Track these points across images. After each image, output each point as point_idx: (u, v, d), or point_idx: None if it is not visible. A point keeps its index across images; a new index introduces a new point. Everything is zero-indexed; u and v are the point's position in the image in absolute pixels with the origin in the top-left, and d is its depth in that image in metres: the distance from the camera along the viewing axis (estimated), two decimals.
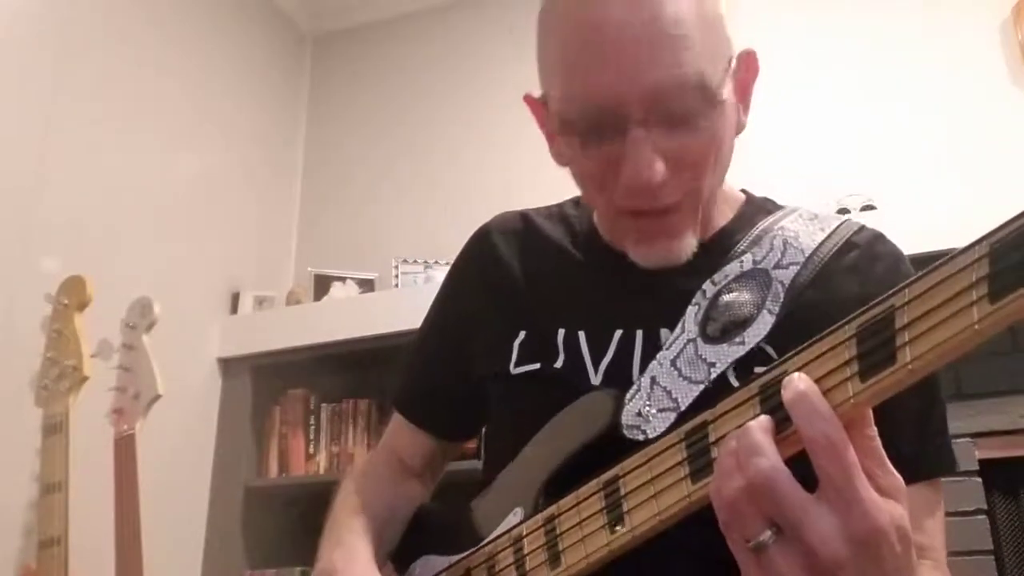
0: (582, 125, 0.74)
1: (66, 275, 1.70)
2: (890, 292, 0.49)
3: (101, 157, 2.34)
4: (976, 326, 0.44)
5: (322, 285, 2.76)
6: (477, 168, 2.89)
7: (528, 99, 0.85)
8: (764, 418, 0.51)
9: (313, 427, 2.61)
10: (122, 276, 2.04)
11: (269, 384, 2.66)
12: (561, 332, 0.82)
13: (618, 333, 0.80)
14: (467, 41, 3.08)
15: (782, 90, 2.58)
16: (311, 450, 2.59)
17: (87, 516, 1.54)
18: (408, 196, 2.99)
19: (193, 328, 2.56)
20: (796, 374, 0.51)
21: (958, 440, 1.91)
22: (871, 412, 0.51)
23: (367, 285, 2.77)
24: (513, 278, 0.91)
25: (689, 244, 0.78)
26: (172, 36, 2.68)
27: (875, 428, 0.51)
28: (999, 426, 1.95)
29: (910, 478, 0.73)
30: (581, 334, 0.81)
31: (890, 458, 0.74)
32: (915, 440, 0.77)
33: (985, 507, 1.90)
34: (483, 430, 0.97)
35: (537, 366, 0.82)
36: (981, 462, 1.92)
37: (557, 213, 0.96)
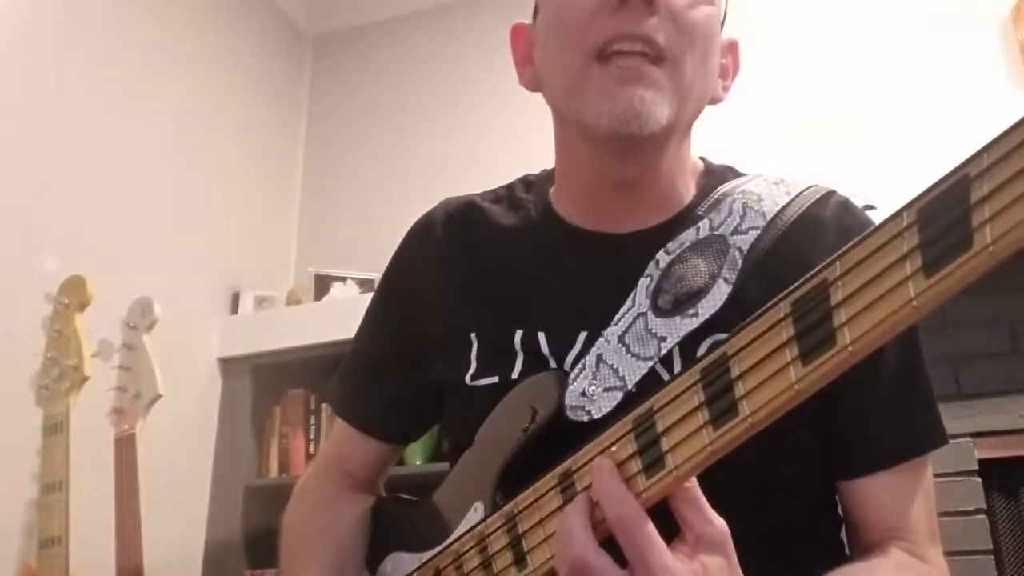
0: None
1: (66, 275, 1.70)
2: (821, 265, 0.47)
3: (102, 157, 2.34)
4: (914, 303, 0.43)
5: (322, 285, 2.76)
6: (477, 168, 2.88)
7: (515, 26, 0.85)
8: (581, 501, 0.57)
9: (313, 427, 2.61)
10: (122, 276, 2.04)
11: (269, 384, 2.66)
12: (518, 334, 0.77)
13: (583, 335, 0.74)
14: (467, 41, 3.08)
15: (782, 88, 2.59)
16: (311, 450, 2.59)
17: (87, 516, 1.54)
18: (408, 196, 2.98)
19: (193, 328, 2.56)
20: (599, 459, 0.56)
21: (958, 440, 1.92)
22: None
23: (367, 285, 2.77)
24: (461, 274, 0.85)
25: (659, 109, 0.71)
26: (172, 36, 2.69)
27: (694, 480, 0.55)
28: (999, 426, 1.96)
29: (883, 463, 0.73)
30: (541, 335, 0.76)
31: (862, 443, 0.74)
32: (891, 422, 0.74)
33: (984, 507, 1.90)
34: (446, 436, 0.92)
35: (495, 379, 0.77)
36: (981, 462, 1.93)
37: (507, 197, 0.90)
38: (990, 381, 1.99)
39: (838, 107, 2.49)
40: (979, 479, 1.91)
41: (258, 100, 3.08)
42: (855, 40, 2.56)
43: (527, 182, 0.91)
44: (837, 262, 0.46)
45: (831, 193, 0.81)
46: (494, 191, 0.92)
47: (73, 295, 1.66)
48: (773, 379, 0.49)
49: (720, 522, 0.55)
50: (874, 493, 0.74)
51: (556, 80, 0.78)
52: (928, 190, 0.43)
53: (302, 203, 3.19)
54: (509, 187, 0.92)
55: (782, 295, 0.49)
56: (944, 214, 0.41)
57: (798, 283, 0.48)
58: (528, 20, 0.86)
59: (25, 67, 2.18)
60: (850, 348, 0.46)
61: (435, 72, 3.12)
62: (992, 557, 1.87)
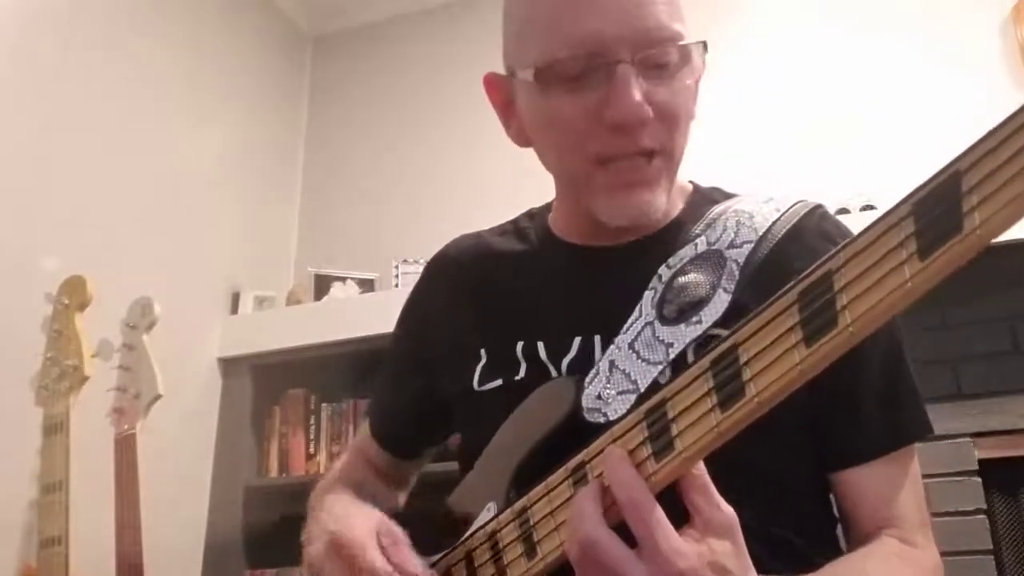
0: (568, 70, 0.75)
1: (66, 275, 1.70)
2: (825, 257, 0.51)
3: (101, 157, 2.34)
4: (908, 284, 0.46)
5: (322, 285, 2.76)
6: (477, 167, 2.89)
7: (489, 78, 0.87)
8: (593, 485, 0.60)
9: (313, 427, 2.61)
10: (122, 276, 2.04)
11: (269, 384, 2.66)
12: (520, 344, 0.84)
13: (577, 340, 0.81)
14: (467, 41, 3.08)
15: (786, 88, 2.59)
16: (311, 450, 2.59)
17: (87, 516, 1.54)
18: (408, 196, 2.99)
19: (193, 328, 2.56)
20: (611, 447, 0.60)
21: (958, 440, 1.92)
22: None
23: (367, 285, 2.77)
24: (470, 299, 0.92)
25: (661, 202, 0.79)
26: (173, 37, 2.69)
27: (702, 465, 0.57)
28: (999, 426, 1.96)
29: (871, 454, 0.77)
30: (540, 344, 0.83)
31: (850, 436, 0.78)
32: (878, 415, 0.79)
33: (984, 507, 1.90)
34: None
35: (500, 382, 0.84)
36: (981, 462, 1.93)
37: (512, 229, 0.98)
38: (990, 381, 1.99)
39: (842, 107, 2.50)
40: (979, 479, 1.91)
41: (258, 100, 3.08)
42: (857, 41, 2.56)
43: (531, 214, 0.99)
44: (840, 253, 0.50)
45: (817, 206, 0.85)
46: (501, 226, 1.00)
47: (73, 295, 1.66)
48: (778, 361, 0.52)
49: (728, 509, 0.57)
50: (865, 484, 0.78)
51: (555, 168, 0.85)
52: (924, 184, 0.46)
53: (302, 203, 3.19)
54: (514, 220, 1.00)
55: (789, 286, 0.53)
56: (938, 204, 0.45)
57: (804, 274, 0.52)
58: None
59: (25, 67, 2.18)
60: (850, 328, 0.49)
61: (436, 72, 3.12)
62: (992, 557, 1.87)
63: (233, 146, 2.89)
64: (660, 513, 0.56)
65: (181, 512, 2.42)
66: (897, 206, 0.47)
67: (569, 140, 0.78)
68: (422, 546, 0.81)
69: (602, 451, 0.61)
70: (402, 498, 1.05)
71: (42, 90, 2.21)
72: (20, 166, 2.11)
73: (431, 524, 0.83)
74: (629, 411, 0.61)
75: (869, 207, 2.19)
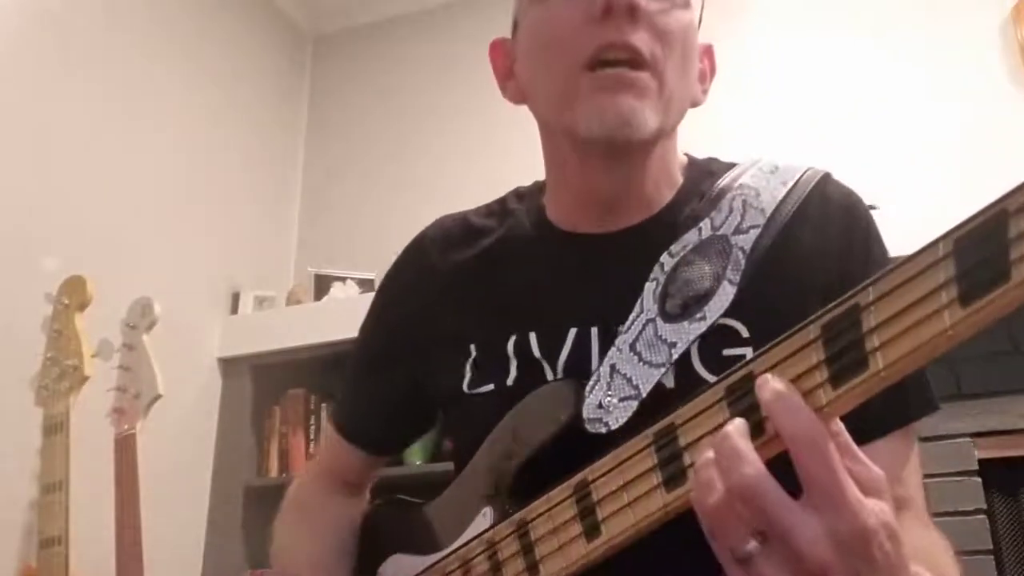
0: None
1: (66, 275, 1.70)
2: (853, 291, 0.47)
3: (101, 157, 2.34)
4: (949, 332, 0.43)
5: (322, 285, 2.76)
6: (477, 167, 2.89)
7: (495, 42, 0.87)
8: (740, 422, 0.49)
9: (313, 427, 2.61)
10: (122, 276, 2.04)
11: (269, 384, 2.67)
12: (512, 339, 0.78)
13: (572, 332, 0.76)
14: (467, 41, 3.08)
15: (783, 88, 2.59)
16: (311, 450, 2.59)
17: (87, 516, 1.55)
18: (408, 196, 2.99)
19: (193, 328, 2.57)
20: (770, 374, 0.49)
21: (958, 440, 1.92)
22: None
23: (367, 285, 2.77)
24: (455, 287, 0.87)
25: (647, 116, 0.74)
26: (173, 37, 2.69)
27: (840, 423, 0.50)
28: (999, 426, 1.96)
29: (881, 430, 0.72)
30: (532, 336, 0.78)
31: (858, 413, 0.74)
32: (882, 395, 0.76)
33: (984, 507, 1.90)
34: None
35: (491, 387, 0.78)
36: (981, 462, 1.93)
37: (499, 210, 0.92)
38: (990, 381, 1.99)
39: (842, 107, 2.50)
40: (979, 479, 1.91)
41: (258, 100, 3.08)
42: (858, 41, 2.56)
43: (519, 194, 0.93)
44: (870, 288, 0.46)
45: (825, 175, 0.82)
46: (487, 206, 0.94)
47: (73, 295, 1.67)
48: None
49: (877, 469, 0.50)
50: (875, 462, 0.75)
51: (545, 91, 0.81)
52: (965, 222, 0.43)
53: (302, 203, 3.19)
54: (501, 200, 0.94)
55: (812, 318, 0.49)
56: (982, 246, 0.42)
57: (829, 307, 0.48)
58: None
59: (26, 67, 2.18)
60: (883, 373, 0.46)
61: (436, 72, 3.12)
62: (992, 557, 1.87)
63: (233, 146, 2.89)
64: (839, 456, 0.46)
65: (181, 512, 2.42)
66: (936, 242, 0.44)
67: (561, 49, 0.76)
68: (410, 543, 0.79)
69: (609, 471, 0.57)
70: (366, 493, 1.00)
71: (42, 90, 2.21)
72: (20, 166, 2.11)
73: (418, 521, 0.81)
74: (631, 420, 0.58)
75: (870, 207, 2.19)
